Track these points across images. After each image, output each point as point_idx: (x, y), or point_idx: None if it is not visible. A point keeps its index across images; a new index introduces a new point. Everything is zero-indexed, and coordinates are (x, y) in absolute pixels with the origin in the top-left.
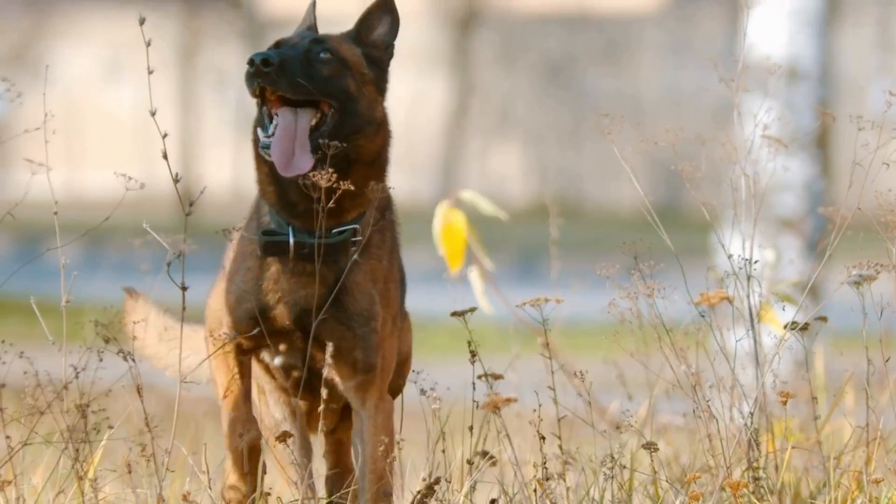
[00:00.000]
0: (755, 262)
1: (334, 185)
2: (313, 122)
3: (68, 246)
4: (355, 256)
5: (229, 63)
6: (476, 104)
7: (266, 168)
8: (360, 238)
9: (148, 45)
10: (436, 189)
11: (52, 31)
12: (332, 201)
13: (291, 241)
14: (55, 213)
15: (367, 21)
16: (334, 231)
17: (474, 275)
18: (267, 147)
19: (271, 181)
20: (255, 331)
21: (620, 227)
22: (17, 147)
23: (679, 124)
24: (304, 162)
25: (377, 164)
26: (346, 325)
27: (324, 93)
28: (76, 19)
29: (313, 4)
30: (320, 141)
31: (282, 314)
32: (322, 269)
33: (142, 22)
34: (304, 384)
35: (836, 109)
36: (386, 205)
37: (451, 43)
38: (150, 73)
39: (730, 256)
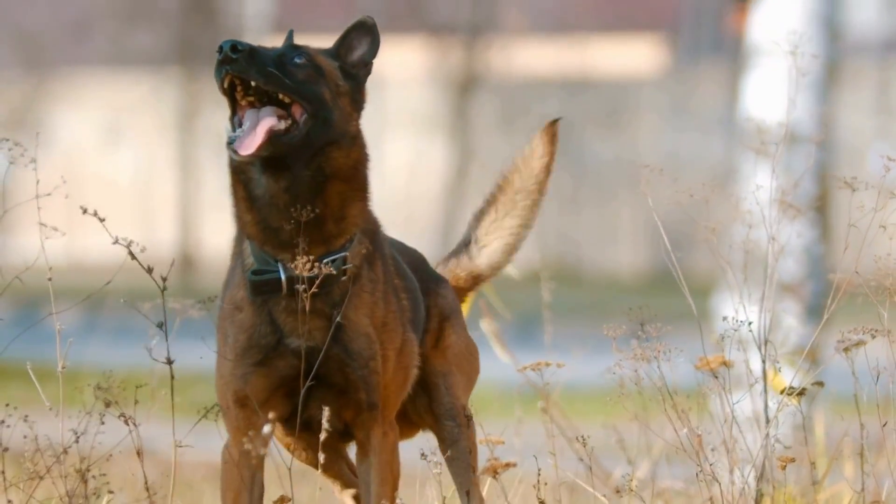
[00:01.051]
0: (750, 323)
1: (313, 208)
2: (283, 126)
3: (67, 311)
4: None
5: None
6: (475, 168)
7: (242, 191)
8: (350, 266)
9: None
10: (435, 253)
11: (51, 95)
12: (314, 224)
13: (283, 276)
14: (49, 279)
15: (346, 40)
16: (325, 261)
17: (488, 327)
18: (233, 142)
19: (249, 207)
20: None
21: (619, 291)
22: (16, 212)
23: (679, 187)
24: (254, 141)
25: (355, 182)
26: (349, 367)
27: (297, 92)
28: (75, 84)
29: (290, 33)
30: (288, 143)
31: (287, 356)
32: (317, 302)
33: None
34: (302, 426)
35: (835, 173)
36: (374, 232)
37: (450, 107)
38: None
39: (724, 318)
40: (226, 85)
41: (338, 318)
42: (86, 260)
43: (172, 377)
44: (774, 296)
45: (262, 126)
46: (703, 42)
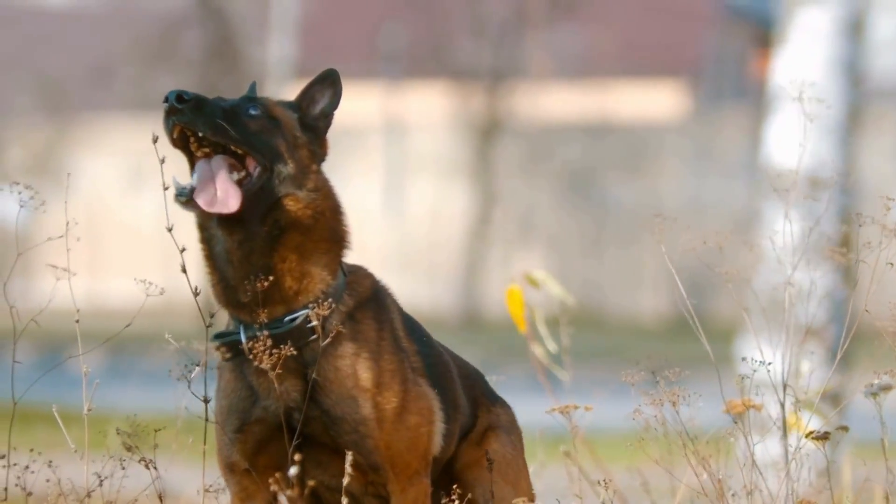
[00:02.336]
0: (769, 364)
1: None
2: (235, 177)
3: (91, 355)
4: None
5: None
6: (498, 213)
7: (206, 248)
8: (313, 323)
9: (162, 162)
10: (457, 298)
11: (73, 140)
12: (271, 279)
13: (244, 338)
14: (77, 322)
15: (309, 93)
16: (286, 319)
17: (539, 351)
18: (182, 194)
19: (213, 266)
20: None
21: (642, 335)
22: (39, 256)
23: (701, 232)
24: (230, 199)
25: (316, 234)
26: (333, 430)
27: (248, 144)
28: (97, 129)
29: (253, 84)
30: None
31: (263, 420)
32: (288, 362)
33: (155, 140)
34: (309, 494)
35: (857, 217)
36: (369, 295)
37: (472, 152)
38: (166, 189)
39: (743, 359)
40: (175, 136)
41: (313, 377)
42: (107, 304)
43: (207, 419)
44: (796, 340)
45: (223, 178)
46: (726, 87)
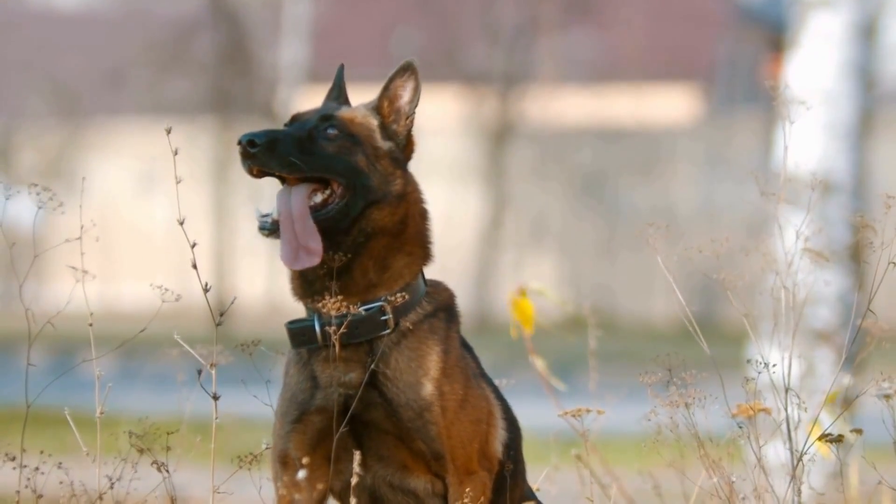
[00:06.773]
0: (774, 365)
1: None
2: (319, 198)
3: (102, 358)
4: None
5: None
6: (510, 216)
7: None
8: (388, 316)
9: (175, 153)
10: (470, 301)
11: (86, 144)
12: (350, 272)
13: (318, 326)
14: (90, 325)
15: (389, 90)
16: (362, 308)
17: (540, 363)
18: (264, 228)
19: None
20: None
21: (654, 339)
22: (52, 260)
23: (713, 237)
24: (312, 252)
25: (404, 237)
26: (396, 417)
27: (326, 170)
28: (110, 132)
29: (341, 68)
30: (324, 218)
31: (324, 407)
32: (356, 352)
33: (169, 131)
34: (367, 491)
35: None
36: (448, 304)
37: (485, 155)
38: (179, 182)
39: (748, 361)
40: (255, 173)
41: (380, 368)
42: (119, 307)
43: (216, 417)
44: (807, 344)
45: (301, 216)
46: (738, 92)
